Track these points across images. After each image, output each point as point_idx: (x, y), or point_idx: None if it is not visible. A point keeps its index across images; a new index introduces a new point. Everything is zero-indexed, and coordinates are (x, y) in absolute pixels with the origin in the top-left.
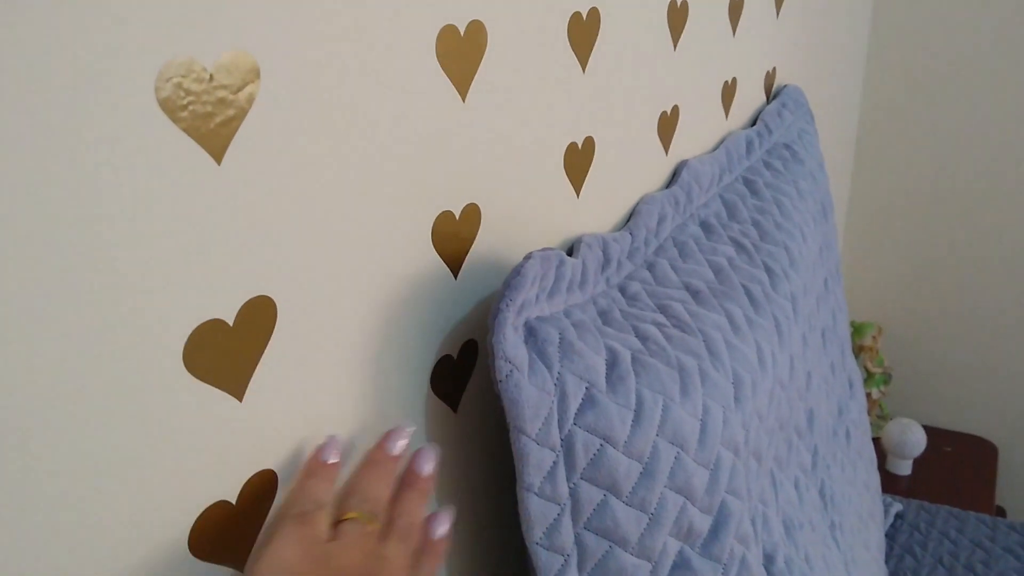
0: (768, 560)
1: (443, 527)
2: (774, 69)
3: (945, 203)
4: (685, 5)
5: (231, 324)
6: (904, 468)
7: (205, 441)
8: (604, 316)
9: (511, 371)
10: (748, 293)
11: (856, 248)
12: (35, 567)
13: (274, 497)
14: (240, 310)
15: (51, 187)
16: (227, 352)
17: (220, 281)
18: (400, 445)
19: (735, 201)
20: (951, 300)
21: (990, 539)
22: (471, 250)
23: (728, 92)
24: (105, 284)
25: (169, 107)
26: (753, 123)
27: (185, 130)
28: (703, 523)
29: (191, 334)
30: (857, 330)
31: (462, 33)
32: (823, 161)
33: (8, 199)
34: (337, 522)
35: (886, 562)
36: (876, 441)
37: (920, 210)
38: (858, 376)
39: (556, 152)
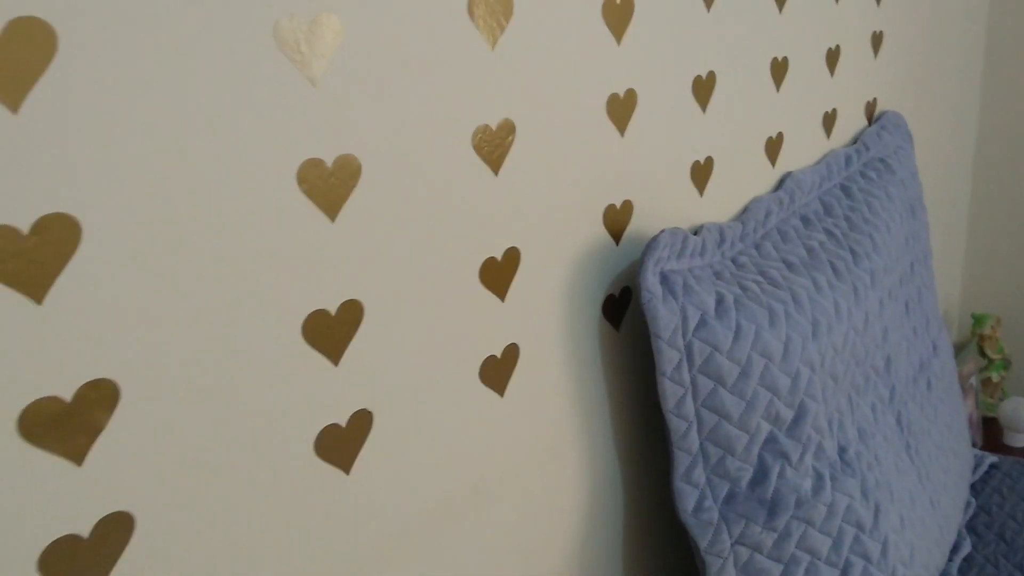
0: (841, 450)
1: None
2: (874, 99)
3: None
4: (786, 60)
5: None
6: (1019, 440)
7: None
8: (717, 275)
9: (650, 298)
10: (832, 266)
11: (978, 247)
12: None
13: None
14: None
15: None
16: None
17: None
18: None
19: (831, 202)
20: None
21: None
22: (627, 228)
23: (828, 120)
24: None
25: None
26: (855, 142)
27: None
28: (787, 414)
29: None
30: (978, 320)
31: (621, 96)
32: (916, 171)
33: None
34: None
35: (975, 497)
36: (993, 420)
37: None
38: (945, 343)
39: (686, 166)
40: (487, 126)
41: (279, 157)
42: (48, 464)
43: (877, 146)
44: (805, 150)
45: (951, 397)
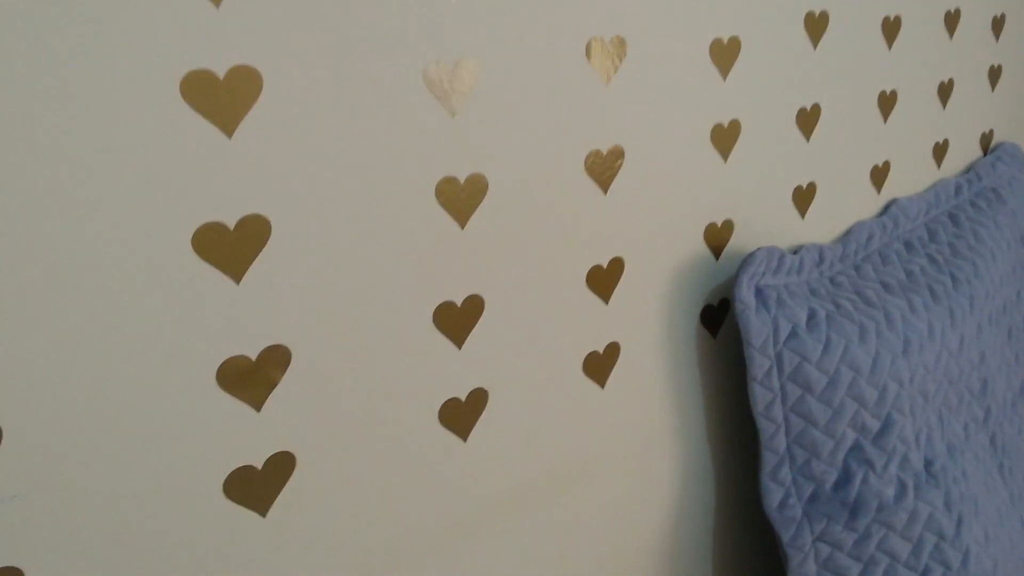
0: (927, 463)
1: None
2: (991, 131)
3: None
4: (895, 93)
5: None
6: None
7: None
8: (813, 291)
9: (744, 309)
10: (931, 290)
11: None
12: None
13: None
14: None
15: None
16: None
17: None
18: None
19: (937, 229)
20: None
21: None
22: (727, 245)
23: (939, 150)
24: None
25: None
26: (967, 171)
27: None
28: (873, 424)
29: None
30: None
31: (725, 126)
32: None
33: None
34: None
35: None
36: None
37: None
38: None
39: (788, 190)
40: (599, 151)
41: (422, 174)
42: (235, 408)
43: (990, 176)
44: (913, 178)
45: None
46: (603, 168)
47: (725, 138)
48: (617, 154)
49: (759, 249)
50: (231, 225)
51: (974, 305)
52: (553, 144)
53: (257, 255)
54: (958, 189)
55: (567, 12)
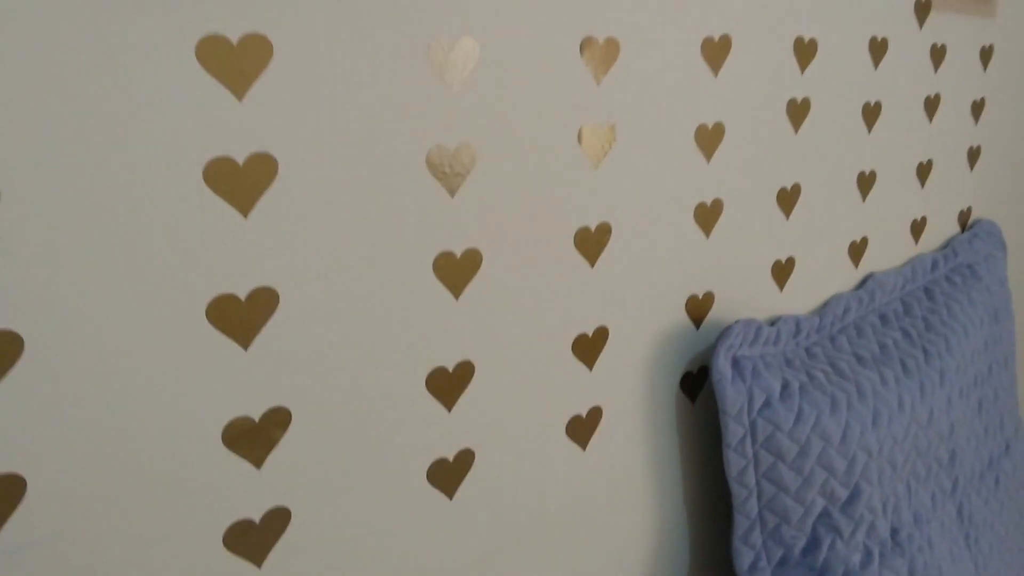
0: (894, 531)
1: None
2: (969, 208)
3: None
4: (873, 174)
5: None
6: None
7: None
8: (788, 362)
9: (720, 378)
10: (903, 364)
11: None
12: None
13: None
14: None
15: None
16: None
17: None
18: None
19: (912, 303)
20: None
21: None
22: (708, 315)
23: (917, 226)
24: None
25: None
26: (945, 247)
27: None
28: (842, 492)
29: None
30: None
31: (708, 205)
32: (1005, 279)
33: None
34: None
35: None
36: None
37: None
38: (1021, 444)
39: (767, 264)
40: (587, 227)
41: (420, 250)
42: (237, 465)
43: (967, 253)
44: (891, 253)
45: (1022, 495)
46: (591, 244)
47: (708, 216)
48: (605, 230)
49: (737, 322)
50: (243, 297)
51: (944, 378)
52: (544, 221)
53: (265, 323)
54: (935, 264)
55: (561, 104)
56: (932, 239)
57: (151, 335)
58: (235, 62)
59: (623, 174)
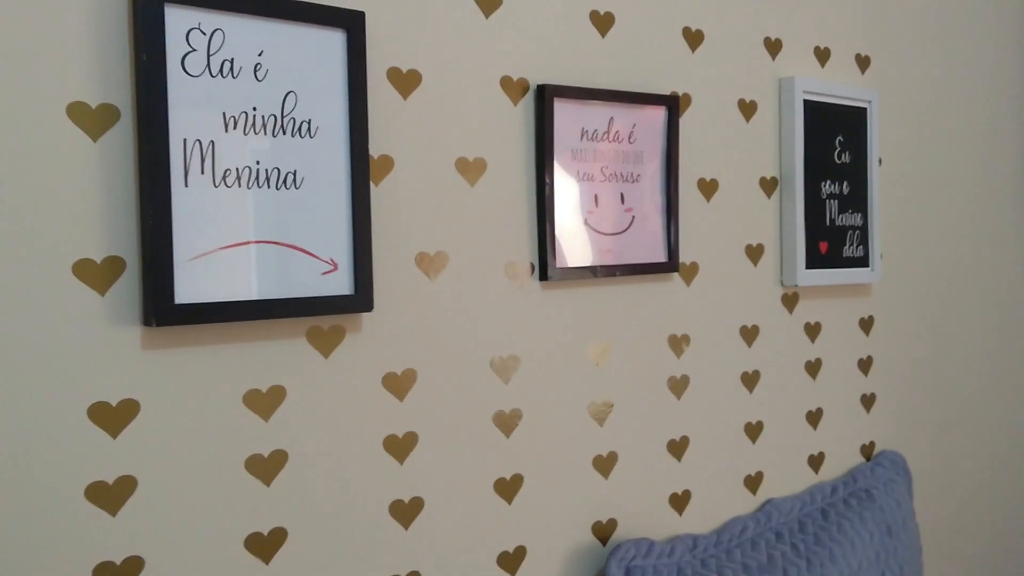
0: None
1: None
2: (871, 442)
3: None
4: (760, 423)
5: None
6: None
7: None
8: (680, 571)
9: None
10: (784, 571)
11: None
12: None
13: None
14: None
15: None
16: None
17: None
18: None
19: (807, 522)
20: None
21: None
22: (612, 536)
23: (815, 460)
24: None
25: None
26: (848, 474)
27: None
28: None
29: None
30: None
31: (605, 456)
32: (902, 499)
33: None
34: None
35: None
36: None
37: None
38: None
39: (664, 496)
40: (504, 478)
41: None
42: None
43: (866, 479)
44: (789, 482)
45: None
46: (508, 491)
47: (605, 464)
48: (519, 481)
49: (627, 541)
50: None
51: None
52: (469, 469)
53: None
54: (834, 490)
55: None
56: (834, 469)
57: None
58: None
59: (530, 434)
